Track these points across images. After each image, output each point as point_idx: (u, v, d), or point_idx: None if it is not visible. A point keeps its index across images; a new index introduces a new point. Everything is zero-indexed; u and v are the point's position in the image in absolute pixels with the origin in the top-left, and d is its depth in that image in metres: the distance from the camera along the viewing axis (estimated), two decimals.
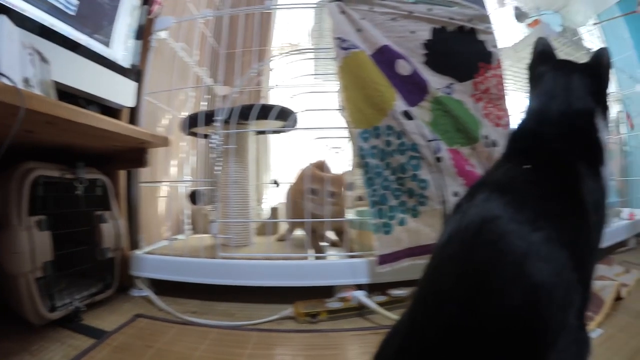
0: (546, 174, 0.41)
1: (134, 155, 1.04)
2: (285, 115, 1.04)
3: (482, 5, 1.09)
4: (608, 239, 1.34)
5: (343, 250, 1.08)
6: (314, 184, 1.04)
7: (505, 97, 1.05)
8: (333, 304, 0.87)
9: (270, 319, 0.84)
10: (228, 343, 0.73)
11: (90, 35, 0.91)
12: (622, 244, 1.44)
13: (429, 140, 0.92)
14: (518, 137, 0.49)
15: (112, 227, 0.95)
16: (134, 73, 1.10)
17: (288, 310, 0.86)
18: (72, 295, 0.81)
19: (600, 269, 1.11)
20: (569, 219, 0.37)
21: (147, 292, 0.97)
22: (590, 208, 0.40)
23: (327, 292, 0.92)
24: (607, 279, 0.98)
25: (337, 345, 0.73)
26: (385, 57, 0.96)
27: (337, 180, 1.07)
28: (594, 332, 0.71)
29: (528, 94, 0.53)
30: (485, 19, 1.07)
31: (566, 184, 0.40)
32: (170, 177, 1.34)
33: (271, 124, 1.06)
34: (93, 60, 0.92)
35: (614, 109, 1.88)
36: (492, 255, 0.33)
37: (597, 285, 0.90)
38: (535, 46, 0.56)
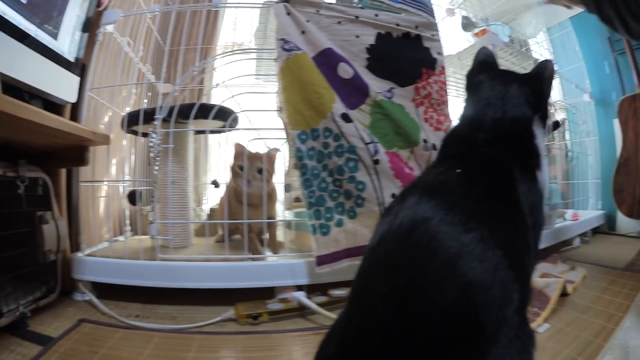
0: (478, 178, 0.41)
1: (74, 153, 0.99)
2: (224, 115, 1.03)
3: (431, 14, 1.13)
4: (553, 238, 1.42)
5: (269, 248, 1.08)
6: (244, 161, 1.04)
7: (447, 102, 1.09)
8: (274, 305, 0.87)
9: (212, 321, 0.83)
10: (172, 346, 0.72)
11: (39, 25, 0.85)
12: (566, 243, 1.53)
13: (367, 143, 0.93)
14: (451, 142, 0.51)
15: (53, 229, 0.90)
16: (78, 67, 1.06)
17: (229, 312, 0.85)
18: (18, 301, 0.77)
19: (546, 267, 1.16)
20: (503, 221, 0.37)
21: (90, 296, 0.94)
22: (525, 210, 0.40)
23: (267, 293, 0.92)
24: (552, 277, 1.02)
25: (280, 346, 0.74)
26: (327, 60, 0.96)
27: (267, 157, 1.07)
28: (541, 327, 0.74)
29: (464, 102, 0.54)
30: (432, 26, 1.10)
31: (499, 187, 0.41)
32: (111, 177, 1.29)
33: (210, 123, 1.04)
34: (40, 53, 0.87)
35: (559, 117, 1.99)
36: (424, 256, 0.33)
37: (541, 282, 0.93)
38: (477, 55, 0.57)
